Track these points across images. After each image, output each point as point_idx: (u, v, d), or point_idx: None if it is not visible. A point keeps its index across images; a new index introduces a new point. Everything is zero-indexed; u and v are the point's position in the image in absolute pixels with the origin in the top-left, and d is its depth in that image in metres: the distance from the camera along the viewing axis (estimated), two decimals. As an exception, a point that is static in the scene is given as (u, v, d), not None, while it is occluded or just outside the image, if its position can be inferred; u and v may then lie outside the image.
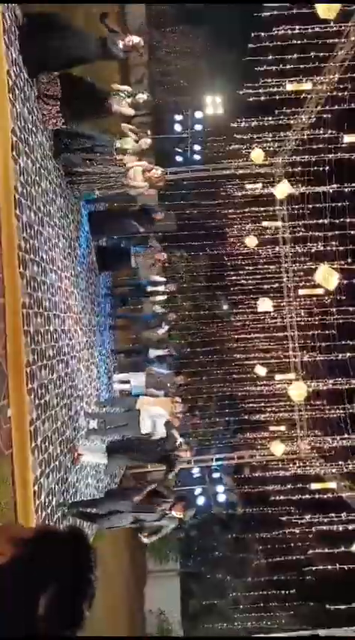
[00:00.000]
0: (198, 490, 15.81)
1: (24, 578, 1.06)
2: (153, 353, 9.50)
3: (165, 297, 10.27)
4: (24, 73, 4.71)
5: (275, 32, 8.13)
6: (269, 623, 12.99)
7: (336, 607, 9.09)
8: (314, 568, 10.37)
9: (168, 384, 8.59)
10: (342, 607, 9.06)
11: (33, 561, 1.10)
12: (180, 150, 18.37)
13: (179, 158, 18.06)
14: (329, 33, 7.90)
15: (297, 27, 7.93)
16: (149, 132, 7.52)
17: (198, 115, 17.84)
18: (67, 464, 5.38)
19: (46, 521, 4.43)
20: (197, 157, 17.89)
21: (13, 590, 1.05)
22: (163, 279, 10.32)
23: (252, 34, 8.37)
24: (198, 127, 17.95)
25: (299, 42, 8.20)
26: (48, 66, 5.01)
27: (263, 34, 8.25)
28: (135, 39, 5.40)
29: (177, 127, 18.05)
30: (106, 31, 5.38)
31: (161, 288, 9.94)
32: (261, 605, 13.41)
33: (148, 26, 17.34)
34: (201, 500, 15.80)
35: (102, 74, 6.11)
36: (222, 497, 15.84)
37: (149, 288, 9.93)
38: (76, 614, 1.10)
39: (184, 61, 17.86)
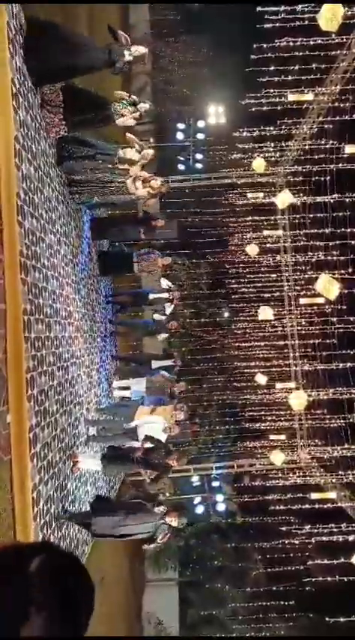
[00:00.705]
0: (197, 499, 15.72)
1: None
2: (156, 365, 9.45)
3: (169, 305, 10.19)
4: (28, 81, 4.76)
5: (278, 43, 8.22)
6: (268, 634, 12.85)
7: (335, 619, 9.00)
8: (313, 579, 10.28)
9: (169, 390, 8.57)
10: (342, 620, 8.98)
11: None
12: (182, 158, 18.48)
13: (181, 166, 18.17)
14: (331, 45, 7.98)
15: (299, 38, 8.01)
16: (151, 140, 7.58)
17: (201, 124, 17.98)
18: (67, 471, 5.36)
19: (45, 528, 4.40)
20: (199, 165, 18.00)
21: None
22: (168, 287, 10.26)
23: (254, 45, 8.46)
24: (200, 136, 18.09)
25: (301, 53, 8.28)
26: (52, 75, 5.06)
27: (265, 45, 8.34)
28: (141, 49, 5.44)
29: (180, 136, 18.18)
30: (111, 39, 5.42)
31: (165, 295, 9.90)
32: (260, 615, 13.29)
33: (152, 36, 17.52)
34: (200, 509, 15.71)
35: (104, 82, 6.16)
36: (221, 507, 15.75)
37: (151, 296, 9.92)
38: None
39: (187, 71, 18.02)
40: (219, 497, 15.72)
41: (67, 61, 5.00)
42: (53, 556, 1.07)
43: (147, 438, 6.08)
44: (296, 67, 8.55)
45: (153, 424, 6.56)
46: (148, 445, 6.10)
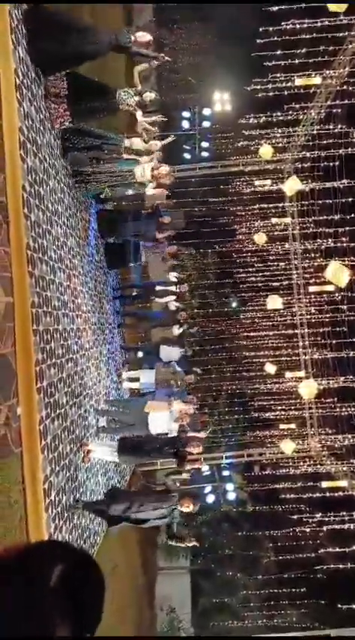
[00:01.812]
0: (207, 488, 15.80)
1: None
2: (165, 354, 9.40)
3: (176, 297, 10.15)
4: (31, 72, 4.71)
5: (284, 26, 8.06)
6: (280, 621, 12.95)
7: (348, 607, 9.04)
8: (325, 567, 10.32)
9: (179, 382, 8.56)
10: (354, 607, 9.01)
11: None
12: (188, 147, 18.32)
13: (187, 155, 18.02)
14: (340, 26, 7.82)
15: (306, 20, 7.85)
16: (157, 129, 7.48)
17: (206, 111, 17.76)
18: (77, 462, 5.38)
19: (57, 519, 4.43)
20: (205, 154, 17.82)
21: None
22: (175, 280, 10.21)
23: (261, 29, 8.31)
24: (206, 124, 17.88)
25: (308, 36, 8.12)
26: (57, 63, 4.99)
27: (271, 28, 8.19)
28: (147, 36, 5.36)
29: (185, 124, 18.00)
30: (115, 26, 5.35)
31: (172, 289, 9.85)
32: (272, 603, 13.39)
33: (156, 23, 17.28)
34: (210, 498, 15.80)
35: (108, 72, 6.08)
36: (231, 495, 15.82)
37: (158, 288, 9.88)
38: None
39: (192, 58, 17.78)
40: (230, 486, 15.79)
41: (71, 47, 4.93)
42: (68, 560, 1.07)
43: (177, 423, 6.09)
44: (304, 50, 8.39)
45: (164, 414, 6.55)
46: (173, 434, 6.12)
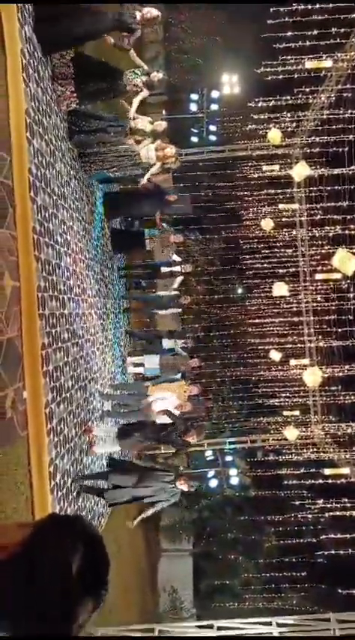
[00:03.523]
0: (211, 472, 15.94)
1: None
2: (167, 344, 9.45)
3: (181, 278, 10.19)
4: (38, 52, 4.63)
5: (295, 7, 7.87)
6: (280, 604, 13.15)
7: (348, 592, 9.14)
8: (326, 552, 10.43)
9: (183, 367, 8.59)
10: (354, 592, 9.11)
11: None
12: (195, 130, 18.09)
13: (194, 139, 17.80)
14: (352, 7, 7.62)
15: (318, 1, 7.66)
16: (164, 112, 7.38)
17: (214, 94, 17.49)
18: (82, 446, 5.43)
19: (62, 501, 4.49)
20: (212, 137, 17.60)
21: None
22: (179, 259, 10.25)
23: (271, 9, 8.12)
24: (214, 107, 17.62)
25: (319, 17, 7.92)
26: (62, 41, 4.89)
27: (282, 9, 8.00)
28: (154, 11, 5.23)
29: (193, 107, 17.75)
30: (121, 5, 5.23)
31: (177, 269, 9.88)
32: (273, 586, 13.57)
33: (164, 4, 16.93)
34: (213, 483, 15.95)
35: (115, 53, 5.97)
36: (234, 480, 15.96)
37: (163, 269, 9.88)
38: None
39: (200, 39, 17.46)
40: (233, 472, 15.92)
41: (78, 25, 4.84)
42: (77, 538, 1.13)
43: (165, 413, 6.12)
44: (315, 32, 8.20)
45: (167, 400, 6.59)
46: (166, 420, 6.15)
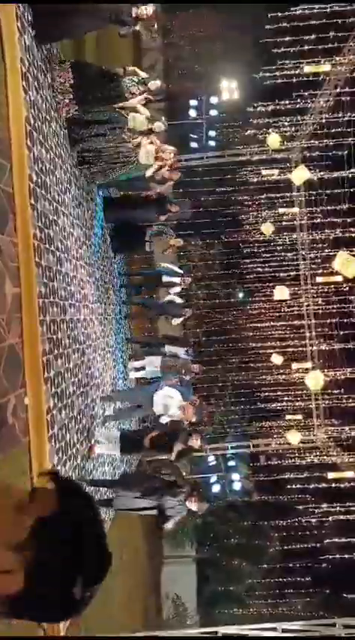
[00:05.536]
0: (213, 477, 15.87)
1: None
2: (169, 349, 9.39)
3: (180, 289, 10.11)
4: (37, 60, 4.66)
5: (293, 12, 7.92)
6: (284, 609, 13.06)
7: (353, 596, 9.08)
8: (330, 557, 10.37)
9: (184, 371, 8.56)
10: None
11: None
12: (194, 136, 18.13)
13: (194, 144, 17.84)
14: (349, 11, 7.66)
15: (316, 5, 7.70)
16: (163, 118, 7.39)
17: (214, 100, 17.55)
18: (84, 452, 5.42)
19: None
20: (212, 143, 17.64)
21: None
22: (180, 271, 10.14)
23: (269, 15, 8.17)
24: (213, 113, 17.67)
25: (317, 22, 7.96)
26: (57, 32, 4.88)
27: (280, 13, 8.05)
28: (150, 8, 5.23)
29: (192, 113, 17.80)
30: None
31: (177, 280, 9.81)
32: (277, 591, 13.48)
33: (162, 9, 17.03)
34: (216, 488, 15.87)
35: (114, 60, 6.02)
36: (237, 485, 15.88)
37: (165, 279, 9.84)
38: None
39: (199, 45, 17.54)
40: (235, 476, 15.84)
41: (72, 16, 4.84)
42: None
43: (170, 419, 6.09)
44: (313, 37, 8.24)
45: (171, 399, 6.51)
46: (167, 422, 6.11)
